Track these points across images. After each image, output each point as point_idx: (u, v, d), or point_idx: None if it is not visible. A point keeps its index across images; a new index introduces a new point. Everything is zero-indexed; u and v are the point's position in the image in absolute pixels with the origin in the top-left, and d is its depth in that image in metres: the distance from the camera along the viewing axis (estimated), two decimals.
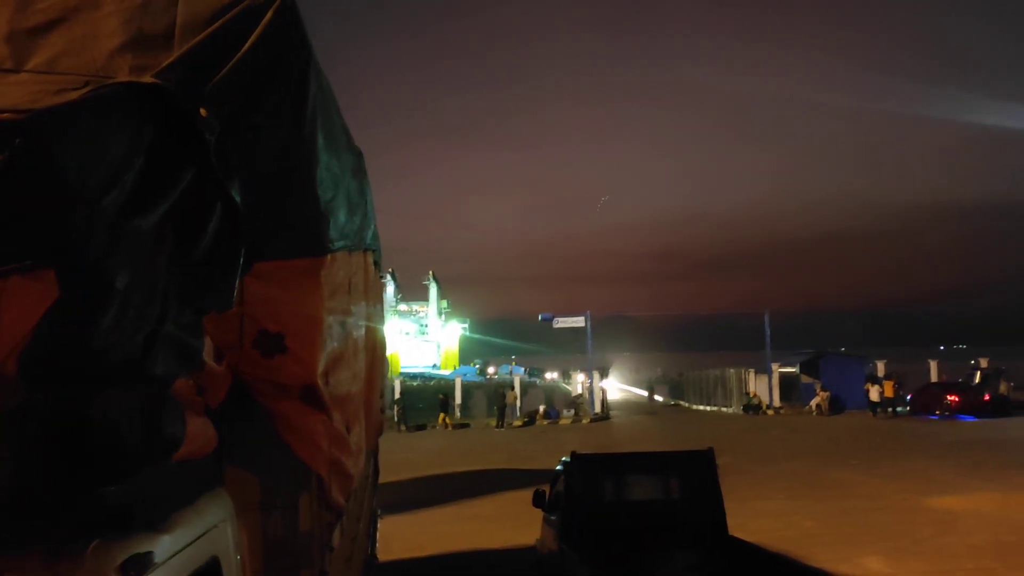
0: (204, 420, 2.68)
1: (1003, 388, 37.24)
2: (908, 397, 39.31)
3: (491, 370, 61.74)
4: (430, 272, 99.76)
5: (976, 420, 34.17)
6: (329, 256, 3.32)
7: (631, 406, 53.76)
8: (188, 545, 2.34)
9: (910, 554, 12.52)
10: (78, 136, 1.84)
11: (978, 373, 38.43)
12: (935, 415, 36.42)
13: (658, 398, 59.49)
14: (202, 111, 2.31)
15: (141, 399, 2.03)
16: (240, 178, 2.49)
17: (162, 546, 2.14)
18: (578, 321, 53.29)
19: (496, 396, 43.35)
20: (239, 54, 2.60)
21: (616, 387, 58.23)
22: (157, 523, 2.22)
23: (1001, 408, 35.86)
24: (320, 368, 3.19)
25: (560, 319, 54.00)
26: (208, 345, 2.64)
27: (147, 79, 2.23)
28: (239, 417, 3.01)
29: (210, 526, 2.63)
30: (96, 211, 1.83)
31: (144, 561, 1.97)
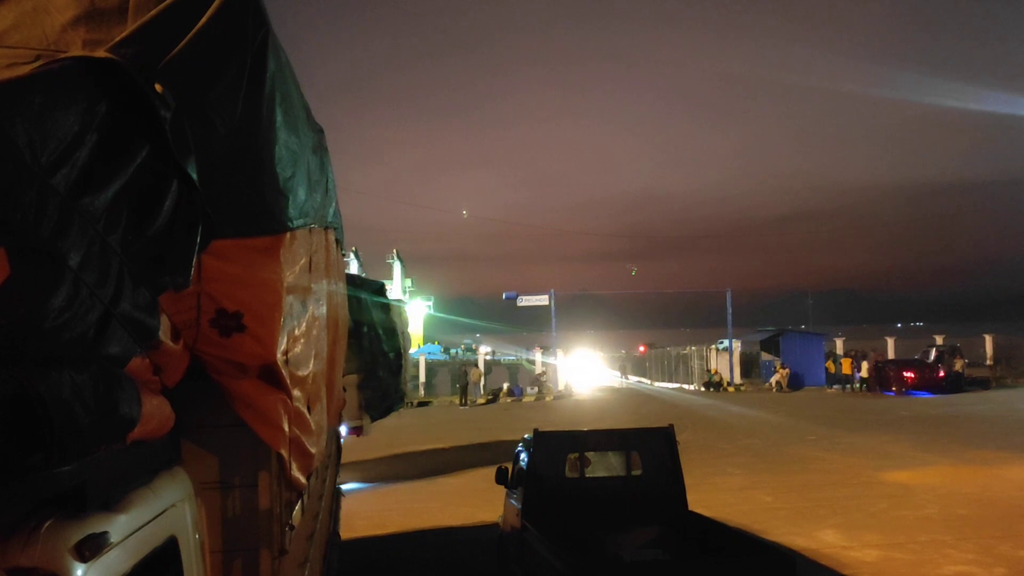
0: (161, 400, 2.65)
1: (958, 365, 38.08)
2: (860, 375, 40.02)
3: (484, 350, 59.36)
4: (394, 250, 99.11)
5: (931, 396, 34.91)
6: (288, 234, 3.28)
7: (595, 384, 54.11)
8: (145, 525, 2.33)
9: (865, 527, 12.81)
10: (28, 112, 1.81)
11: (933, 350, 39.24)
12: (892, 391, 37.12)
13: (634, 379, 59.59)
14: (157, 87, 2.28)
15: (95, 379, 2.01)
16: (196, 155, 2.46)
17: (118, 526, 2.13)
18: (542, 299, 53.43)
19: (459, 374, 43.38)
20: (195, 29, 2.56)
21: (581, 365, 58.41)
22: (113, 503, 2.21)
23: (955, 385, 36.68)
24: (279, 347, 3.16)
25: (524, 297, 54.11)
26: (165, 324, 2.61)
27: (100, 54, 2.19)
28: (197, 396, 3.00)
29: (167, 505, 2.61)
30: (47, 188, 1.80)
31: (99, 541, 1.96)
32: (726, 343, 50.02)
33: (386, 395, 17.73)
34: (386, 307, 17.81)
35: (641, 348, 67.19)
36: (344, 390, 8.91)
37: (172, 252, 2.40)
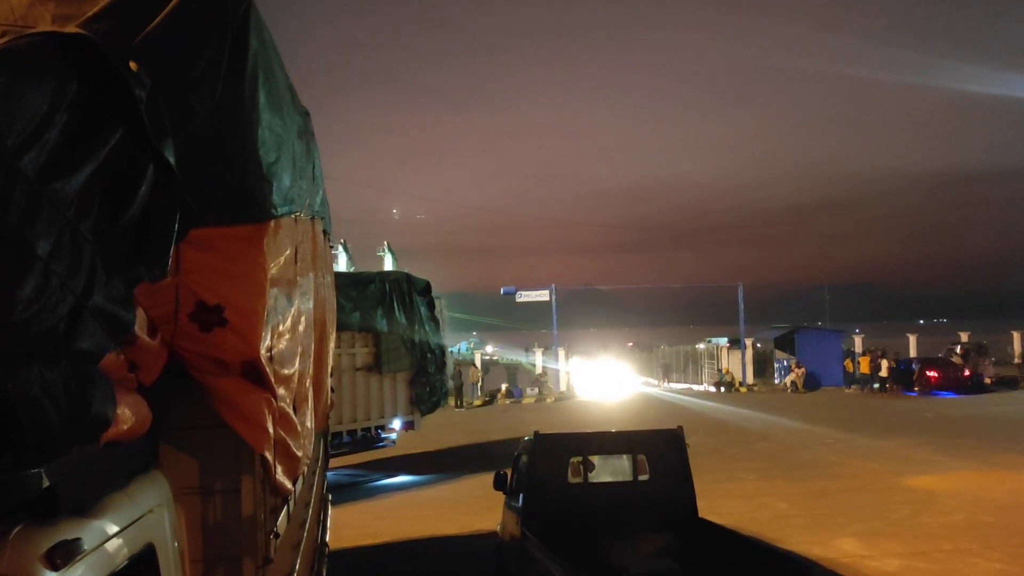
0: (137, 398, 2.65)
1: (984, 364, 38.06)
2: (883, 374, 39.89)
3: (490, 349, 59.27)
4: (385, 242, 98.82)
5: (956, 397, 34.89)
6: (272, 223, 3.28)
7: (602, 385, 53.91)
8: (121, 531, 2.33)
9: (886, 535, 12.81)
10: None
11: (958, 348, 39.18)
12: (914, 392, 37.10)
13: (672, 385, 58.26)
14: (132, 65, 2.27)
15: (66, 376, 2.01)
16: (174, 138, 2.45)
17: (91, 532, 2.12)
18: (542, 295, 53.32)
19: (454, 374, 43.37)
20: (172, 3, 2.56)
21: (588, 366, 57.89)
22: (86, 508, 2.20)
23: (981, 384, 36.66)
24: (263, 343, 3.16)
25: (523, 293, 53.97)
26: (141, 318, 2.61)
27: (71, 29, 2.19)
28: (175, 395, 2.99)
29: (144, 511, 2.61)
30: (14, 172, 1.79)
31: (72, 548, 1.96)
32: (720, 340, 49.90)
33: (434, 391, 19.26)
34: (431, 304, 19.29)
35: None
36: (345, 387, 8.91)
37: (148, 241, 2.39)
